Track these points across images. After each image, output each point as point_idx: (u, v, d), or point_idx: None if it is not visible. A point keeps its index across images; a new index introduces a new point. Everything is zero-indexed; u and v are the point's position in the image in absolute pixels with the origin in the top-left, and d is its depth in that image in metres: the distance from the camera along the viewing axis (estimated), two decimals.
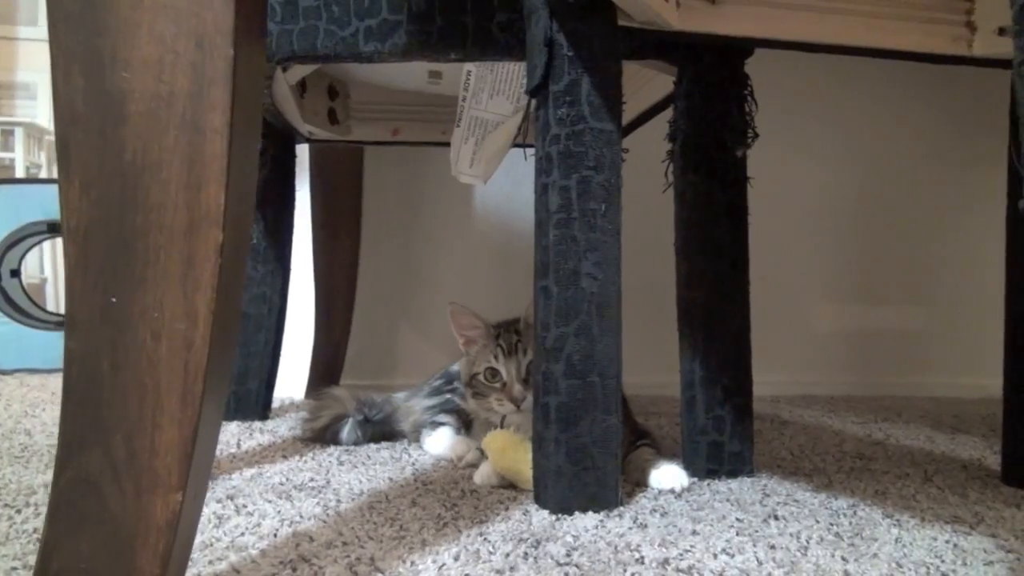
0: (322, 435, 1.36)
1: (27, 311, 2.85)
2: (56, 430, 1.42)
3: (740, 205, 1.17)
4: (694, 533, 0.87)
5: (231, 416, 1.59)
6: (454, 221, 2.21)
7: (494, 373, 1.16)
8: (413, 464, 1.22)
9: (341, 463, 1.22)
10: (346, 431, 1.35)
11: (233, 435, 1.42)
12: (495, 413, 1.17)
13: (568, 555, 0.79)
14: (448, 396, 1.35)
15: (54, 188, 2.72)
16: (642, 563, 0.77)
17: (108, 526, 0.53)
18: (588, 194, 0.98)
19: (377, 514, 0.93)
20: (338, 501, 0.99)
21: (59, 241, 3.28)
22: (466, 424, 1.31)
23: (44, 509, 0.93)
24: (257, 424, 1.56)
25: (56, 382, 2.26)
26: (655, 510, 0.96)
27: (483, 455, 1.11)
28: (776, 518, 0.93)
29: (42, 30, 4.63)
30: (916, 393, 2.17)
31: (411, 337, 2.21)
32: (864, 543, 0.84)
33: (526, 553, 0.79)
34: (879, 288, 2.27)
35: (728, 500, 1.01)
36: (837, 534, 0.87)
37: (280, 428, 1.52)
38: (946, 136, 2.25)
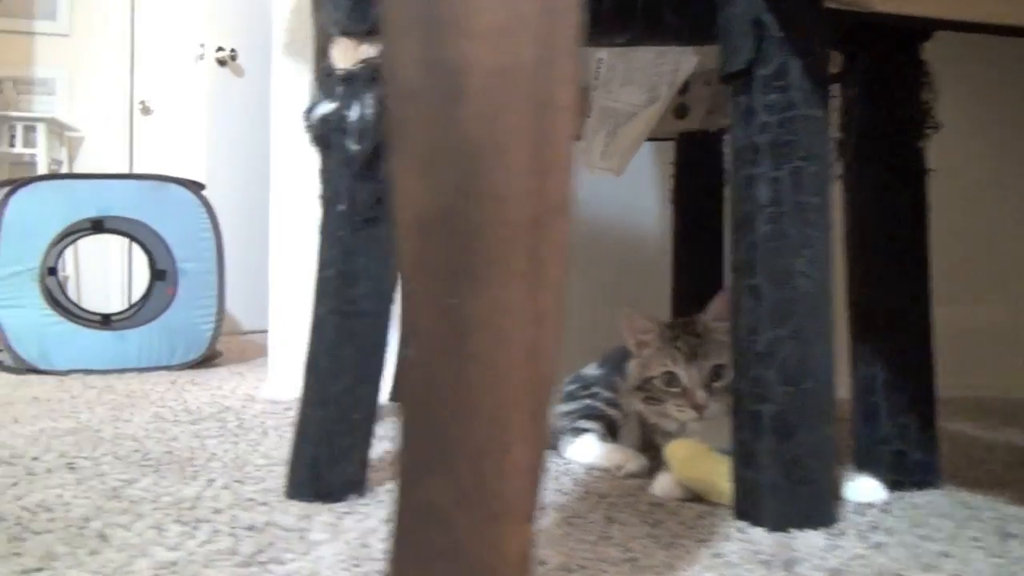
0: None
1: (69, 309, 2.75)
2: (160, 435, 1.36)
3: (921, 200, 1.11)
4: (944, 555, 0.80)
5: None
6: None
7: (672, 378, 1.09)
8: (565, 474, 1.15)
9: None
10: None
11: None
12: (672, 420, 1.10)
13: None
14: (588, 401, 1.28)
15: (103, 183, 2.61)
16: None
17: (459, 561, 0.46)
18: (801, 186, 0.91)
19: (583, 532, 0.86)
20: None
21: (90, 239, 3.04)
22: (611, 430, 1.24)
23: (218, 524, 0.86)
24: None
25: (120, 383, 2.18)
26: (874, 527, 0.89)
27: (664, 465, 1.04)
28: (1011, 536, 0.86)
29: (60, 24, 4.53)
30: (1012, 395, 2.10)
31: None
32: None
33: None
34: (965, 287, 2.20)
35: (940, 515, 0.94)
36: None
37: (391, 433, 1.44)
38: None
